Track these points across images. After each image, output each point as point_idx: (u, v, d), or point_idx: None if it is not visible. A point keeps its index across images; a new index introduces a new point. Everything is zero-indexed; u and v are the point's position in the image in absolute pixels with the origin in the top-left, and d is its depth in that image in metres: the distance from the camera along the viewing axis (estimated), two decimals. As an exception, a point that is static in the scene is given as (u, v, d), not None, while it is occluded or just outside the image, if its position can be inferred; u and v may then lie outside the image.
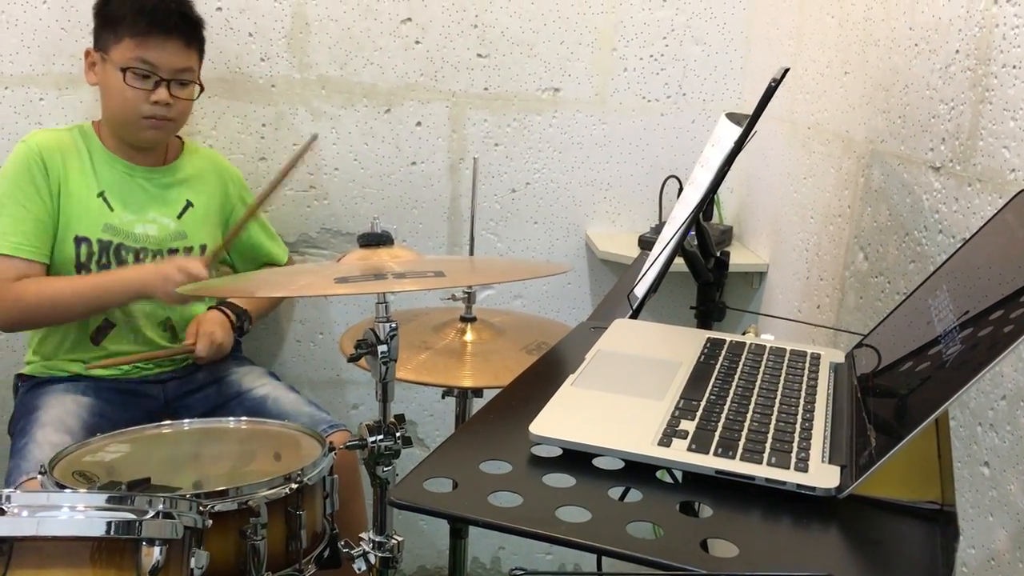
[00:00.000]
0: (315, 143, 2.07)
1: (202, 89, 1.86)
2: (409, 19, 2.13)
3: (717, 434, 0.90)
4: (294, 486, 1.39)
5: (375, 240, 1.32)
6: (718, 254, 1.47)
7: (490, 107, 2.20)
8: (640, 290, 1.35)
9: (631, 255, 2.09)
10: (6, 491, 1.10)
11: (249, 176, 2.14)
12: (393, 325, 1.27)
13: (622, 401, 0.99)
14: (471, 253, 1.85)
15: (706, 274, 1.44)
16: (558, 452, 0.90)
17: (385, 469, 1.35)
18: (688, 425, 0.92)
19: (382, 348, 1.28)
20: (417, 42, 2.15)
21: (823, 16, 1.83)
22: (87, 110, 2.05)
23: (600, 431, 0.91)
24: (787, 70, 1.29)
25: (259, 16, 2.09)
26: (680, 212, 1.41)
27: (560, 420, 0.93)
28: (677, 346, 1.16)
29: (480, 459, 0.88)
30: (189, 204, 1.90)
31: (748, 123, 1.31)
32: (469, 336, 1.72)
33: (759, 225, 2.17)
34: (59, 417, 1.70)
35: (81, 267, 1.81)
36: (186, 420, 1.62)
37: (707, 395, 1.00)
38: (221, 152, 2.12)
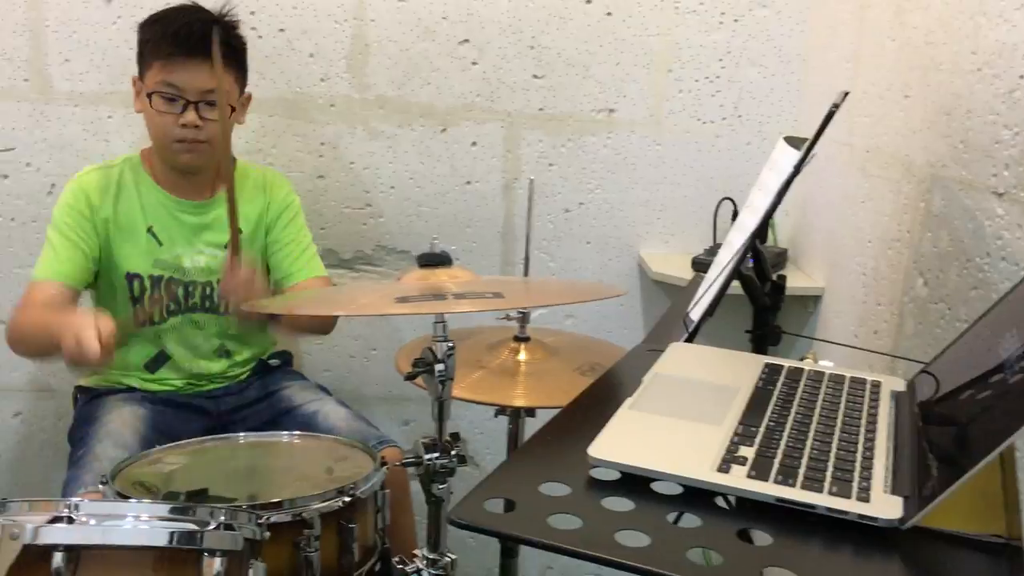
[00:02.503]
0: None
1: (233, 110, 1.81)
2: (467, 40, 2.16)
3: (777, 461, 0.90)
4: (347, 499, 1.40)
5: (435, 260, 1.33)
6: (775, 278, 1.47)
7: (545, 128, 2.22)
8: (696, 313, 1.35)
9: (684, 277, 2.08)
10: (74, 499, 1.12)
11: (308, 193, 2.18)
12: (450, 345, 1.28)
13: (680, 425, 0.99)
14: (526, 274, 1.86)
15: (763, 298, 1.44)
16: (616, 475, 0.90)
17: (440, 487, 1.36)
18: (747, 451, 0.92)
19: (439, 367, 1.29)
20: (474, 63, 2.17)
21: (883, 39, 1.81)
22: (153, 128, 2.11)
23: (658, 455, 0.91)
24: (847, 94, 1.29)
25: (320, 37, 2.13)
26: (737, 236, 1.41)
27: (618, 443, 0.94)
28: (735, 371, 1.16)
29: (539, 480, 0.89)
30: (239, 232, 1.90)
31: (807, 147, 1.31)
32: (523, 356, 1.72)
33: (815, 248, 2.15)
34: (118, 430, 1.73)
35: (136, 301, 1.85)
36: (241, 433, 1.65)
37: (766, 421, 1.00)
38: (280, 170, 2.15)
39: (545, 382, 1.63)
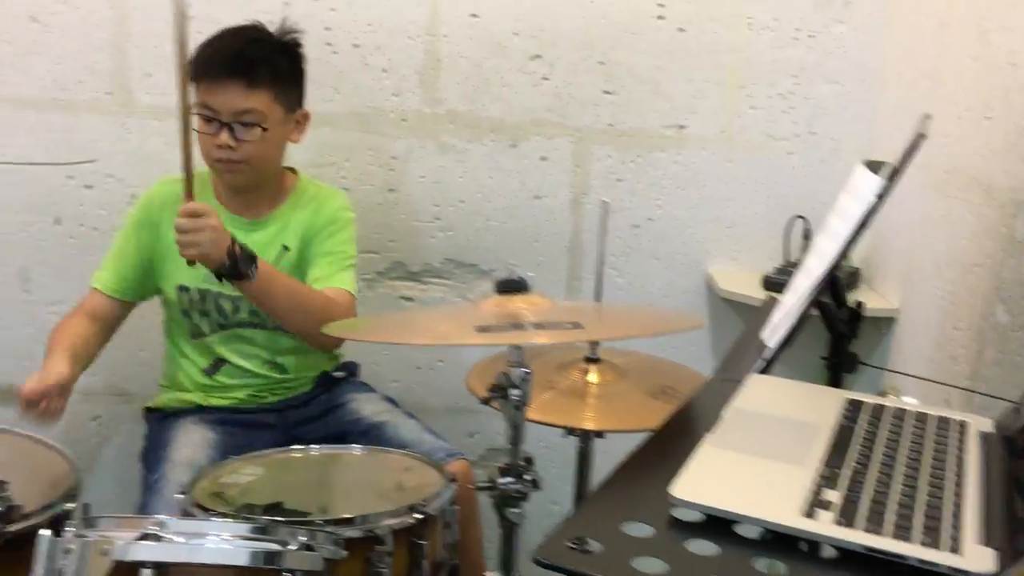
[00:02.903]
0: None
1: (264, 130, 1.78)
2: (538, 56, 2.17)
3: (864, 506, 0.89)
4: (418, 516, 1.42)
5: (513, 287, 1.34)
6: (853, 305, 1.45)
7: (614, 143, 2.21)
8: (773, 342, 1.34)
9: (753, 295, 2.07)
10: (161, 517, 1.16)
11: (378, 206, 2.21)
12: (526, 371, 1.29)
13: (762, 464, 0.98)
14: (597, 297, 1.86)
15: (840, 325, 1.42)
16: (700, 516, 0.90)
17: (514, 511, 1.37)
18: (832, 495, 0.91)
19: (514, 392, 1.30)
20: (544, 78, 2.18)
21: (963, 58, 1.78)
22: (229, 141, 2.15)
23: (742, 497, 0.90)
24: (928, 116, 1.27)
25: (393, 52, 2.15)
26: (815, 262, 1.39)
27: (701, 483, 0.93)
28: (815, 407, 1.15)
29: (621, 520, 0.89)
30: (285, 249, 1.90)
31: (890, 176, 1.30)
32: (593, 377, 1.72)
33: (889, 269, 2.11)
34: (189, 456, 1.75)
35: (185, 313, 1.89)
36: (314, 445, 1.68)
37: (851, 462, 0.99)
38: (352, 183, 2.19)
39: (615, 404, 1.63)
